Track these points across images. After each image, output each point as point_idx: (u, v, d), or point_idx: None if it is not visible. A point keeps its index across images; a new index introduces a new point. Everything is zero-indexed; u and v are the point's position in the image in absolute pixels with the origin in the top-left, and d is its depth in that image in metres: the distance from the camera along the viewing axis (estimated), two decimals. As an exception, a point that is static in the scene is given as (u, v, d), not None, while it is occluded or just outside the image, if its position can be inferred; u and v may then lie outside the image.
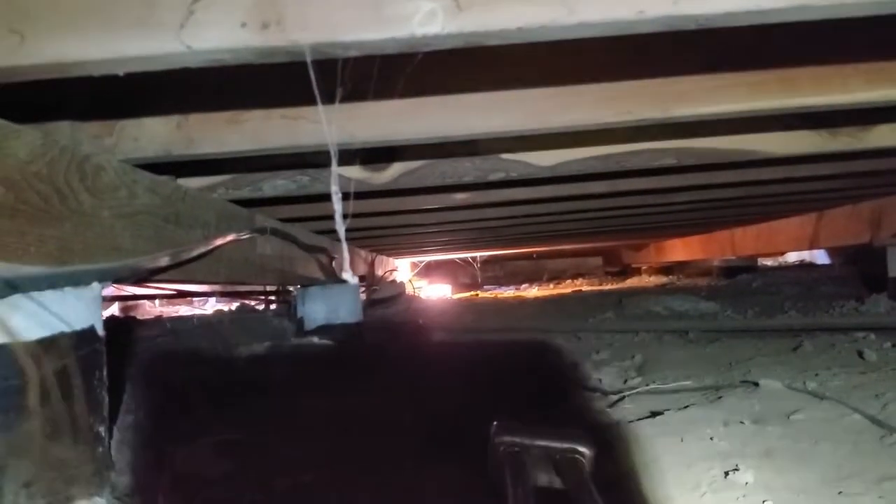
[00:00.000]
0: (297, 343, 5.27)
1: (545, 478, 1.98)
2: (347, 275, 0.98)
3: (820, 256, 10.60)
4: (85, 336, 1.65)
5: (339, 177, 3.04)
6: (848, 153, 3.12)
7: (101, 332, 1.72)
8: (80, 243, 1.92)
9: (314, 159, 2.85)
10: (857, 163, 3.62)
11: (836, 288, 6.76)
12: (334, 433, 2.39)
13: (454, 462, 2.02)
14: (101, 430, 1.68)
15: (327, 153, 2.93)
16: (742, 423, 2.16)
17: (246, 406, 2.84)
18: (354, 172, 3.12)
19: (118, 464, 1.85)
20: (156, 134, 2.33)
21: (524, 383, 3.36)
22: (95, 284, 1.74)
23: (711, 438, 2.03)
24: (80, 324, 1.63)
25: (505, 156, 3.11)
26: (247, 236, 3.55)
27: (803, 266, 10.33)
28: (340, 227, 0.91)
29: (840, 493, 1.62)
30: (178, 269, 2.84)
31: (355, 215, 4.61)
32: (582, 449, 1.92)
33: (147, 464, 1.94)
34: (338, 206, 0.92)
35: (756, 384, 2.62)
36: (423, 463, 2.09)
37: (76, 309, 1.63)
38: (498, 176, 3.34)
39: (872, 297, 5.72)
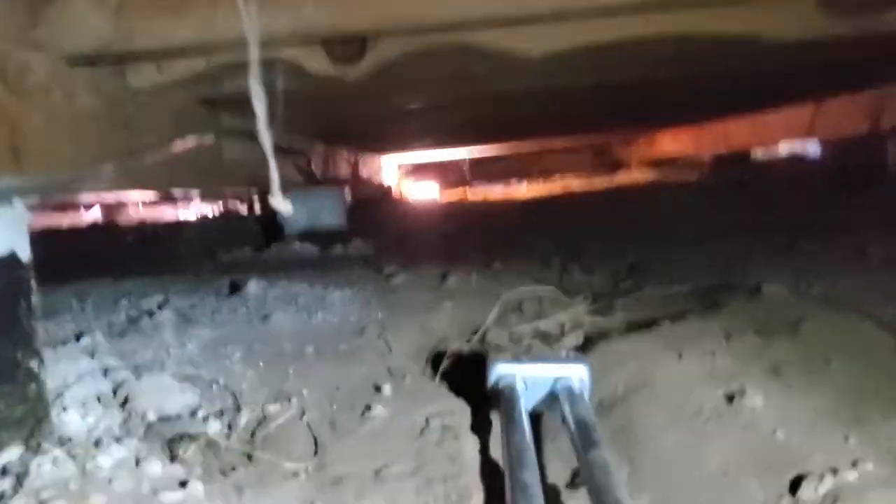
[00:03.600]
0: (277, 249, 5.09)
1: (541, 404, 1.84)
2: (278, 200, 0.77)
3: (812, 148, 10.37)
4: (5, 262, 1.45)
5: (304, 72, 2.76)
6: (858, 38, 2.86)
7: (25, 256, 1.51)
8: (4, 153, 1.68)
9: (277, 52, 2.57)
10: (865, 48, 3.35)
11: (831, 179, 6.57)
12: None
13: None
14: (33, 365, 1.49)
15: (295, 42, 2.64)
16: (745, 335, 2.00)
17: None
18: (323, 66, 2.84)
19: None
20: (89, 23, 2.04)
21: (508, 285, 3.21)
22: (17, 202, 1.52)
23: (713, 354, 1.87)
24: None
25: (489, 46, 2.83)
26: (210, 139, 3.29)
27: (795, 159, 10.10)
28: (265, 134, 0.69)
29: (857, 419, 1.47)
30: (132, 178, 2.61)
31: (332, 115, 4.34)
32: (578, 373, 1.77)
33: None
34: (260, 108, 0.71)
35: (758, 289, 2.44)
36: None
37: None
38: (481, 69, 3.07)
39: (870, 189, 5.55)
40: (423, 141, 7.75)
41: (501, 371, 1.80)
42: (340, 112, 4.22)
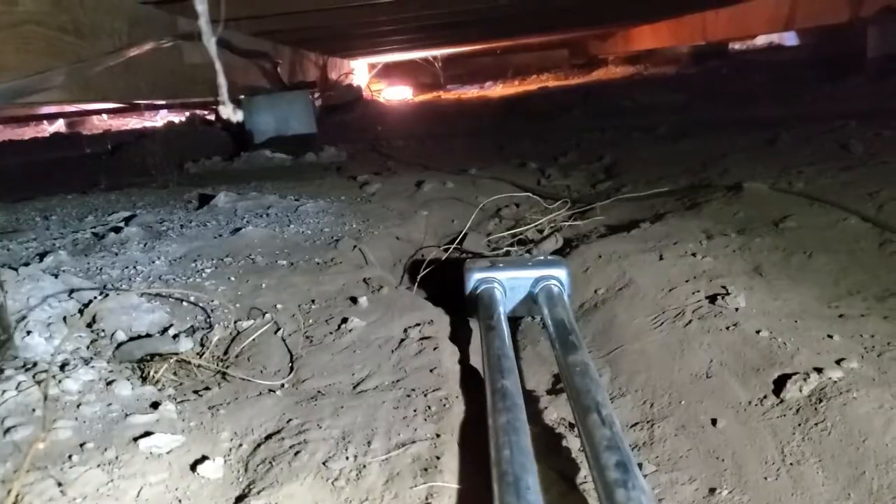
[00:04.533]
0: (246, 158, 4.95)
1: (520, 308, 1.81)
2: (227, 109, 0.69)
3: (789, 38, 10.20)
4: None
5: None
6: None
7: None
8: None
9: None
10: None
11: (809, 71, 6.47)
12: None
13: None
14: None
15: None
16: (726, 234, 1.96)
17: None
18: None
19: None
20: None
21: (485, 190, 3.15)
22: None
23: (694, 255, 1.83)
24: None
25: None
26: (169, 44, 3.13)
27: (773, 49, 9.92)
28: (207, 34, 0.61)
29: (841, 315, 1.45)
30: (86, 88, 2.48)
31: (294, 13, 4.14)
32: (557, 273, 1.74)
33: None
34: (201, 4, 0.62)
35: (739, 187, 2.40)
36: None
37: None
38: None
39: (848, 79, 5.48)
40: (394, 40, 7.49)
41: (479, 278, 1.76)
42: (307, 12, 4.03)
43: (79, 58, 2.28)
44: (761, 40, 10.76)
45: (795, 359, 1.29)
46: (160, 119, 9.54)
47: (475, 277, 1.76)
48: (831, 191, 2.25)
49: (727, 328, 1.45)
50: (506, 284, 1.75)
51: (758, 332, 1.41)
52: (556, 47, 12.62)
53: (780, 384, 1.24)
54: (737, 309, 1.51)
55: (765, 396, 1.24)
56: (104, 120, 10.28)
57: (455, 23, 5.98)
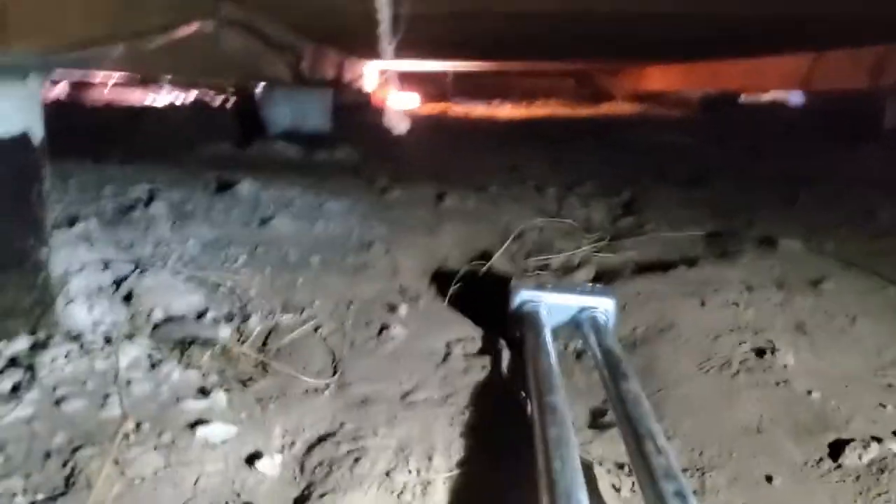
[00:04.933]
0: (259, 147, 4.92)
1: (565, 332, 1.80)
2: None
3: (793, 97, 10.33)
4: (18, 143, 1.33)
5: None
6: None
7: (38, 137, 1.39)
8: (15, 18, 1.54)
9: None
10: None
11: (819, 132, 6.55)
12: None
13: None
14: (42, 254, 1.39)
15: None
16: (766, 287, 1.97)
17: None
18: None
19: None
20: None
21: (506, 211, 3.14)
22: (33, 77, 1.38)
23: (736, 304, 1.84)
24: (10, 128, 1.30)
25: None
26: (210, 28, 3.11)
27: (777, 106, 10.05)
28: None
29: (890, 385, 1.45)
30: (136, 62, 2.46)
31: (326, 11, 4.11)
32: (605, 304, 1.73)
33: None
34: None
35: (771, 241, 2.41)
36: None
37: (4, 109, 1.29)
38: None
39: (863, 145, 5.53)
40: (410, 50, 7.49)
41: (526, 296, 1.74)
42: (334, 7, 4.01)
43: (134, 31, 2.27)
44: (767, 96, 10.91)
45: (851, 425, 1.29)
46: (163, 97, 9.44)
47: (522, 295, 1.74)
48: (864, 257, 2.26)
49: (776, 384, 1.45)
50: (551, 307, 1.74)
51: (809, 392, 1.41)
52: (564, 76, 12.70)
53: (836, 449, 1.24)
54: (785, 366, 1.52)
55: (821, 459, 1.23)
56: (106, 93, 10.16)
57: (471, 39, 5.98)
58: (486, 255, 2.56)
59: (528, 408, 1.32)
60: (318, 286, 1.90)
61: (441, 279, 2.30)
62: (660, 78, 10.17)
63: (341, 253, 2.20)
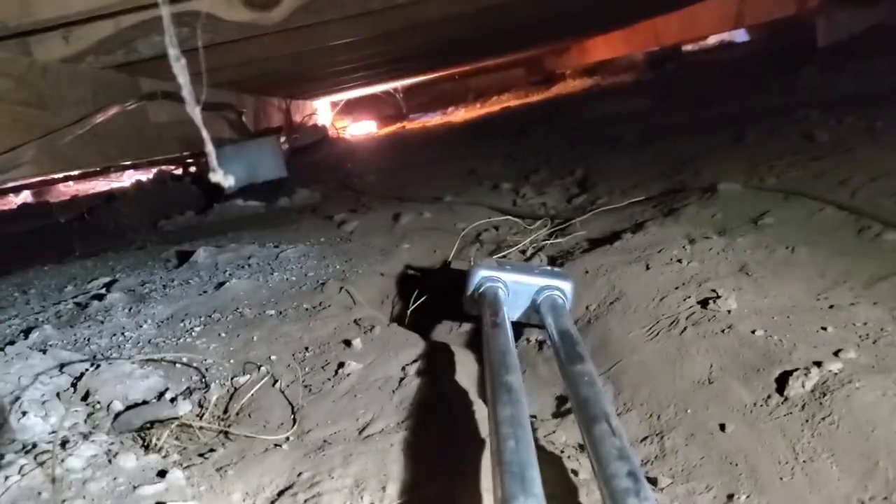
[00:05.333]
0: (219, 210, 4.94)
1: (518, 312, 1.81)
2: (218, 175, 0.69)
3: (740, 35, 10.40)
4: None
5: (217, 20, 2.60)
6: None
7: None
8: None
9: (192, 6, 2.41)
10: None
11: (763, 66, 6.60)
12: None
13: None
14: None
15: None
16: (708, 237, 1.98)
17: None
18: (237, 14, 2.69)
19: None
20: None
21: (462, 217, 3.16)
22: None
23: (679, 261, 1.85)
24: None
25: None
26: (133, 105, 3.13)
27: (725, 47, 10.10)
28: (195, 112, 0.61)
29: (832, 306, 1.47)
30: (57, 159, 2.47)
31: (253, 61, 4.15)
32: (563, 286, 1.73)
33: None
34: (182, 77, 0.62)
35: (713, 188, 2.43)
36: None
37: None
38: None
39: (802, 71, 5.58)
40: (353, 77, 7.53)
41: (484, 275, 1.75)
42: (266, 59, 4.04)
43: (46, 130, 2.28)
44: (713, 40, 10.96)
45: (794, 355, 1.30)
46: (128, 179, 9.46)
47: (481, 274, 1.74)
48: (803, 183, 2.29)
49: (722, 331, 1.46)
50: (510, 287, 1.74)
51: (753, 331, 1.42)
52: (513, 67, 12.74)
53: (782, 382, 1.25)
54: (729, 311, 1.53)
55: (769, 396, 1.25)
56: (70, 186, 10.18)
57: (410, 55, 6.03)
58: (444, 267, 2.58)
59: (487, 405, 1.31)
60: (274, 339, 1.91)
61: (399, 300, 2.31)
62: (604, 47, 10.23)
63: (297, 300, 2.21)
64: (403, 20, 3.77)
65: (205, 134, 0.64)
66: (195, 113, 0.63)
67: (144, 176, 8.88)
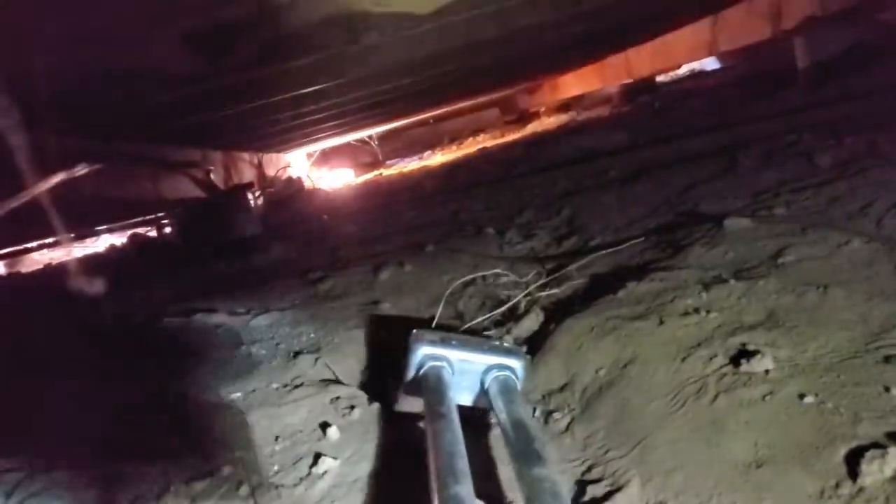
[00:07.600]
0: (190, 273, 4.69)
1: (468, 396, 1.53)
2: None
3: (709, 63, 10.37)
4: None
5: (176, 77, 2.38)
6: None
7: None
8: None
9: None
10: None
11: (740, 91, 6.49)
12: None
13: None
14: None
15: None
16: (724, 280, 1.75)
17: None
18: (195, 67, 2.49)
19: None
20: None
21: (446, 268, 2.93)
22: None
23: (696, 311, 1.62)
24: None
25: (377, 10, 2.52)
26: (83, 172, 2.90)
27: (697, 75, 10.06)
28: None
29: (887, 358, 1.24)
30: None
31: (218, 120, 3.95)
32: (513, 364, 1.49)
33: None
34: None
35: (717, 223, 2.20)
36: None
37: None
38: (372, 38, 2.75)
39: (783, 93, 5.46)
40: (326, 127, 7.36)
41: (427, 353, 1.49)
42: (231, 112, 3.84)
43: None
44: (684, 69, 10.95)
45: (859, 428, 1.07)
46: (102, 243, 9.19)
47: (422, 352, 1.49)
48: (818, 212, 2.08)
49: (763, 398, 1.23)
50: (455, 367, 1.49)
51: (801, 396, 1.19)
52: (487, 107, 12.66)
53: (852, 464, 1.02)
54: (766, 371, 1.30)
55: (837, 484, 1.01)
56: (45, 254, 9.88)
57: (381, 101, 5.86)
58: (428, 326, 2.34)
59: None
60: (241, 433, 1.66)
61: (378, 372, 2.07)
62: (576, 83, 10.17)
63: (266, 378, 1.96)
64: (381, 65, 3.60)
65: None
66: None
67: (118, 240, 8.62)
